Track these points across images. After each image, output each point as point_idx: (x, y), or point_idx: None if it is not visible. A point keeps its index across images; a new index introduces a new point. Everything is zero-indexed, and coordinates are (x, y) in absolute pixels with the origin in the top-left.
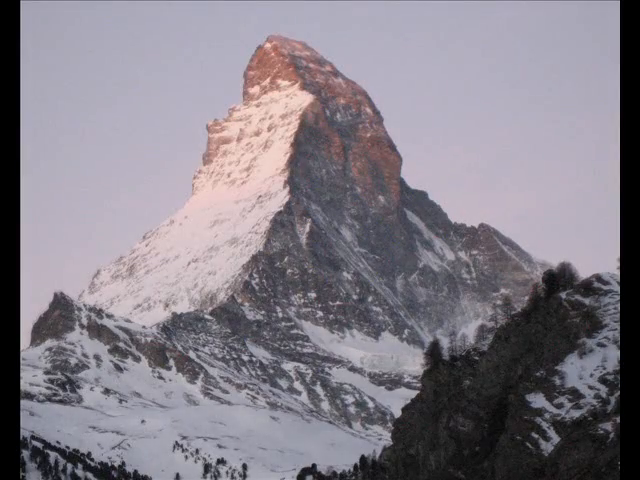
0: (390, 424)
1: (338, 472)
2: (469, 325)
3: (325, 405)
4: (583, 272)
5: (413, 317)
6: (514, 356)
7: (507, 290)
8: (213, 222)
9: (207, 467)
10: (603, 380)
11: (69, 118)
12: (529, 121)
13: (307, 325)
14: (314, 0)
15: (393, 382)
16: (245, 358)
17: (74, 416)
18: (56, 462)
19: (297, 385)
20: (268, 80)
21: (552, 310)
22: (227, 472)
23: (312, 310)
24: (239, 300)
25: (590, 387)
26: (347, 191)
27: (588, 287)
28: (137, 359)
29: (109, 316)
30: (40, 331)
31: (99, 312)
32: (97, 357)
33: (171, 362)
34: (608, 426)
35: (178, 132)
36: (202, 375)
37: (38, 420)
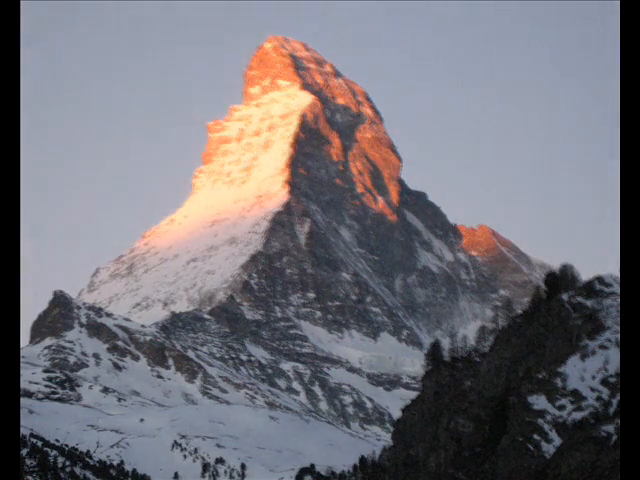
0: (388, 425)
1: (337, 472)
2: (468, 326)
3: (323, 405)
4: (585, 274)
5: (412, 318)
6: (515, 358)
7: (506, 291)
8: (212, 221)
9: (206, 466)
10: (605, 382)
11: (69, 117)
12: (529, 121)
13: (306, 325)
14: (314, 0)
15: (391, 383)
16: (244, 358)
17: (73, 414)
18: (55, 460)
19: (295, 385)
20: (268, 80)
21: (554, 312)
22: (225, 471)
23: (311, 310)
24: (238, 300)
25: (592, 389)
26: (347, 191)
27: (590, 289)
28: (136, 358)
29: (108, 315)
30: (39, 329)
31: (98, 311)
32: (96, 356)
33: (170, 361)
34: (610, 428)
35: (178, 131)
36: (201, 374)
37: (37, 418)
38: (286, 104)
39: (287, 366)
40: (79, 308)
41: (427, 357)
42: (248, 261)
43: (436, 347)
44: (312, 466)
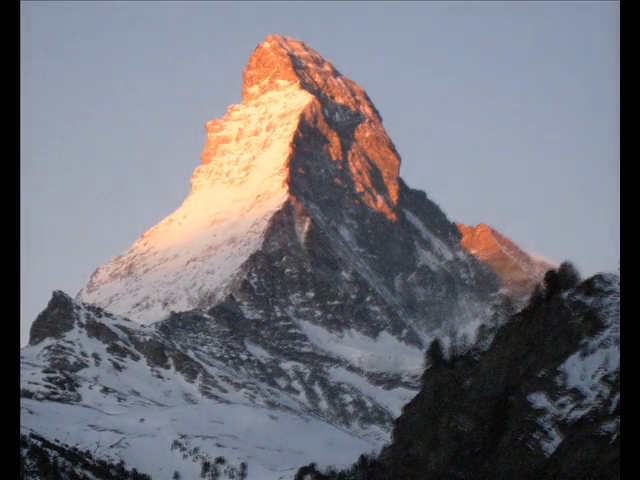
0: (388, 424)
1: (337, 471)
2: (467, 325)
3: (323, 404)
4: (585, 272)
5: (411, 317)
6: (515, 356)
7: (505, 290)
8: (212, 221)
9: (206, 466)
10: (605, 380)
11: (68, 117)
12: (529, 121)
13: (305, 324)
14: (313, 0)
15: (391, 382)
16: (243, 357)
17: (73, 414)
18: (55, 460)
19: (295, 384)
20: (267, 80)
21: (553, 310)
22: (226, 471)
23: (310, 309)
24: (237, 299)
25: (592, 387)
26: (346, 191)
27: (590, 287)
28: (136, 358)
29: (108, 315)
30: (39, 329)
31: (98, 311)
32: (96, 356)
33: (170, 361)
34: (610, 426)
35: (177, 131)
36: (201, 374)
37: (37, 418)
38: (285, 103)
39: (287, 365)
40: (79, 308)
41: (427, 356)
42: (247, 261)
43: (436, 346)
44: (312, 465)
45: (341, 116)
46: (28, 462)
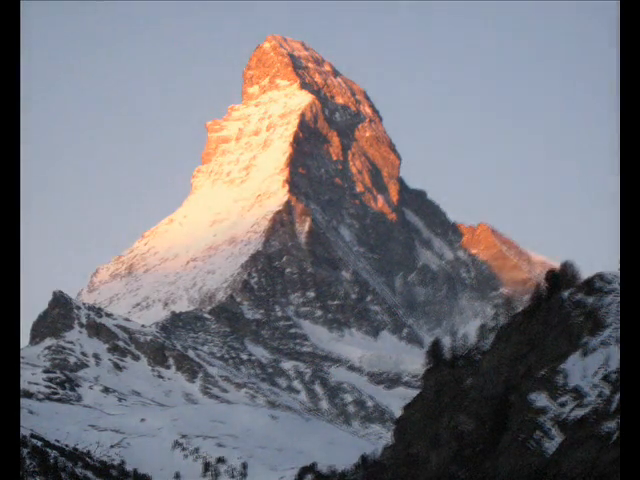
0: (388, 423)
1: (338, 471)
2: (467, 324)
3: (324, 404)
4: (586, 271)
5: (412, 316)
6: (516, 356)
7: (506, 289)
8: (212, 221)
9: (207, 466)
10: (606, 380)
11: (68, 117)
12: (529, 120)
13: (306, 324)
14: (313, 0)
15: (392, 381)
16: (244, 357)
17: (73, 414)
18: (55, 460)
19: (296, 384)
20: (267, 80)
21: (554, 309)
22: (226, 471)
23: (311, 309)
24: (238, 299)
25: (593, 387)
26: (346, 190)
27: (590, 286)
28: (136, 358)
29: (108, 315)
30: (39, 329)
31: (98, 311)
32: (96, 356)
33: (170, 361)
34: (611, 425)
35: (177, 131)
36: (201, 374)
37: (37, 418)
38: (285, 103)
39: (287, 365)
40: (79, 308)
41: (427, 356)
42: (248, 260)
43: (437, 345)
44: (313, 465)
45: (341, 116)
46: (28, 462)
